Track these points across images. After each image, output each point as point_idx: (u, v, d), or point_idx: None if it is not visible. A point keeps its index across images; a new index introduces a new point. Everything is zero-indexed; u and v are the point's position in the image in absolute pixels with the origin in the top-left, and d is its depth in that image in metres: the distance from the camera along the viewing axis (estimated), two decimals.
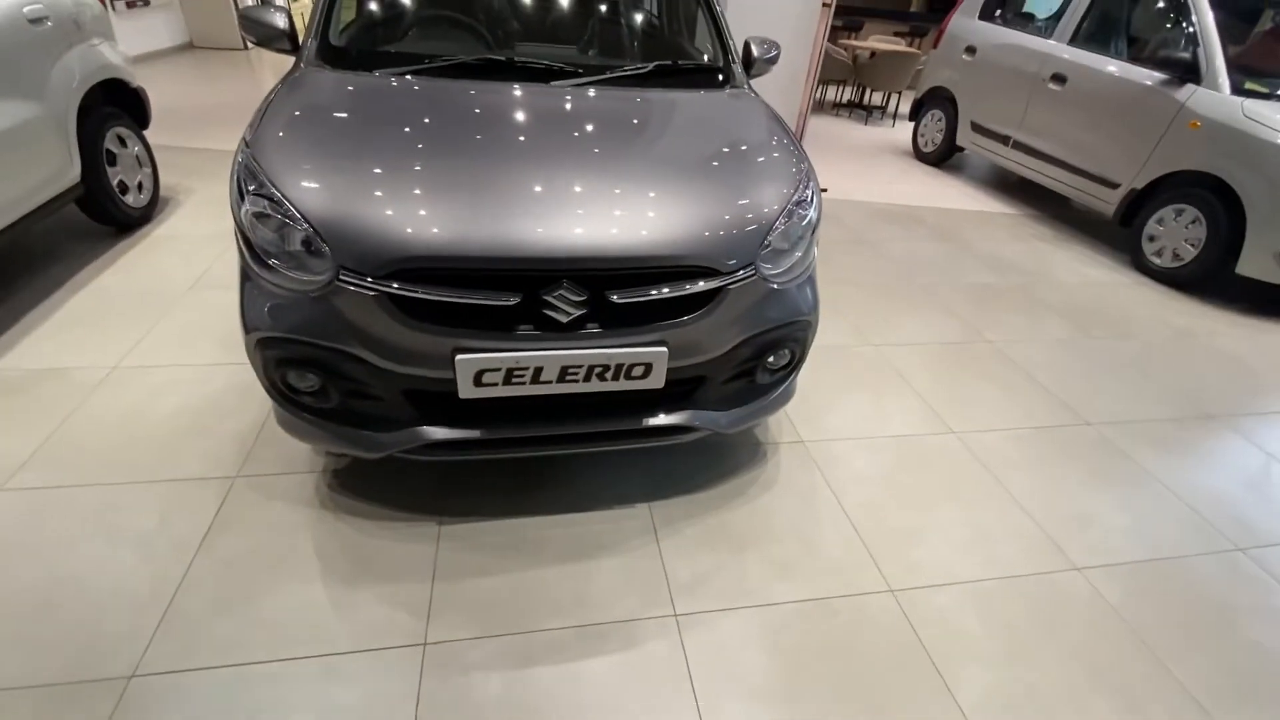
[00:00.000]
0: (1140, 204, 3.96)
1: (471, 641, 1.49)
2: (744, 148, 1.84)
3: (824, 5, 4.15)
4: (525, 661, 1.46)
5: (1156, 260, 3.87)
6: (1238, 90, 3.55)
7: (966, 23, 5.42)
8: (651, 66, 2.16)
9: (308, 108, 1.71)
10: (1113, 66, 4.16)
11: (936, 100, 5.70)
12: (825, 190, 4.84)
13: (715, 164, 1.73)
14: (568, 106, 1.88)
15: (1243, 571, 1.90)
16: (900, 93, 7.46)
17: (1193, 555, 1.93)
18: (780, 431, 2.26)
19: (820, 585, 1.71)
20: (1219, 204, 3.52)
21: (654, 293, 1.49)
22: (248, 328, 1.49)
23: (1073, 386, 2.72)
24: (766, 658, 1.52)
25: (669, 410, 1.72)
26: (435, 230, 1.38)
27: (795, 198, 1.70)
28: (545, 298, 1.42)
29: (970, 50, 5.29)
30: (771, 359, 1.78)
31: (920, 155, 5.98)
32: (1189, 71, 3.70)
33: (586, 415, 1.66)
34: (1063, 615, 1.70)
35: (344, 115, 1.69)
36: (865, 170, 5.53)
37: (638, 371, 1.54)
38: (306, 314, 1.43)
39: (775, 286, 1.66)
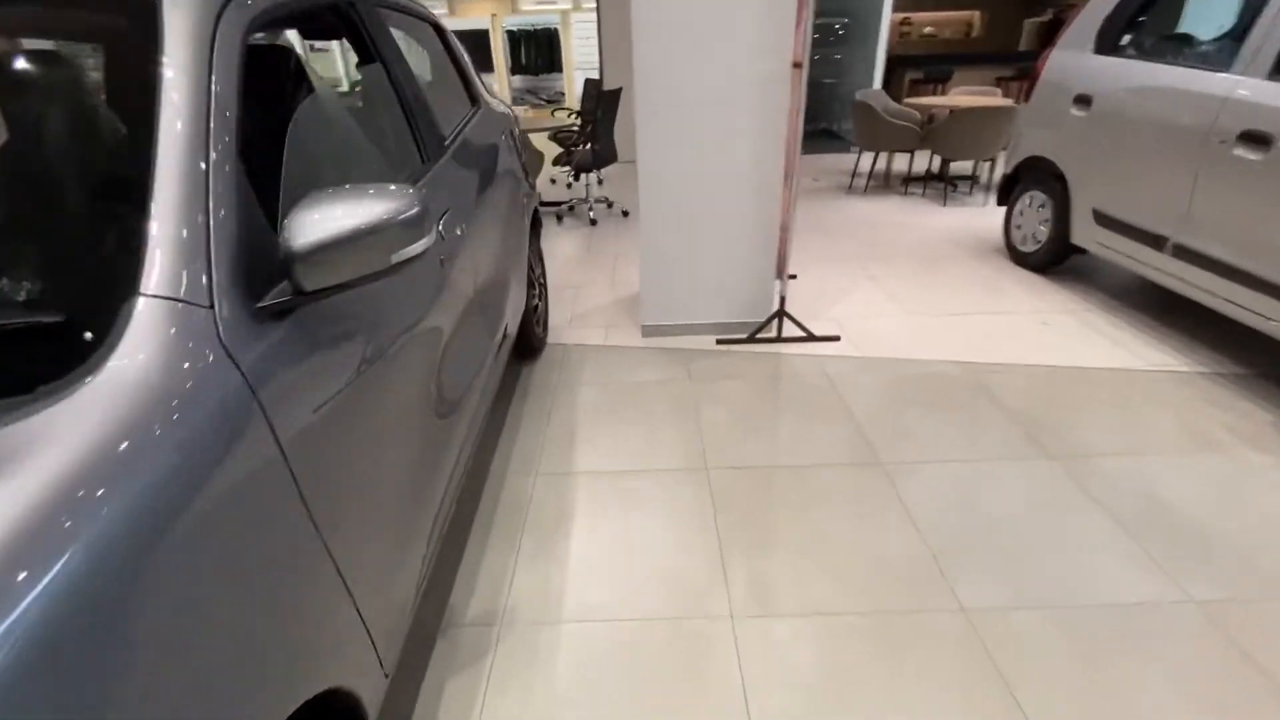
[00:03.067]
0: None
1: None
2: None
3: (794, 66, 2.55)
4: None
5: None
6: None
7: (1075, 60, 3.53)
8: None
9: None
10: None
11: (1036, 177, 3.79)
12: (836, 339, 3.08)
13: None
14: None
15: None
16: (994, 160, 5.51)
17: None
18: None
19: None
20: None
21: None
22: None
23: None
24: None
25: None
26: None
27: None
28: None
29: (1083, 101, 3.39)
30: None
31: (1016, 256, 4.00)
32: None
33: None
34: None
35: None
36: (921, 288, 3.65)
37: None
38: None
39: None
